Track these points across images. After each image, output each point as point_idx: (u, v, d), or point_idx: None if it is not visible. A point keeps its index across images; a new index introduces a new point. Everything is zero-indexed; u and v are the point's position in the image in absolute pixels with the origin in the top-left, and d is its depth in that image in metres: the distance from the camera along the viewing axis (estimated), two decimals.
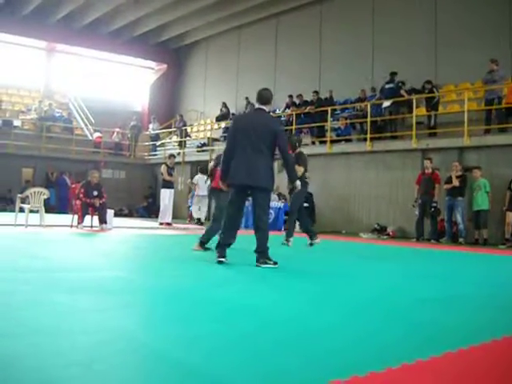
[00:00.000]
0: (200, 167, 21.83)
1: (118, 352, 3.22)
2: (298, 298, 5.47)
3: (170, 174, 18.55)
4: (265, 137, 7.72)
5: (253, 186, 7.74)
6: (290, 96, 23.48)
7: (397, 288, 6.42)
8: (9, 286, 5.34)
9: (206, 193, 18.35)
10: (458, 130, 16.56)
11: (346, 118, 21.03)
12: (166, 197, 18.53)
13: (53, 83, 34.01)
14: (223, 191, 8.93)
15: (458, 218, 15.56)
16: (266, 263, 7.59)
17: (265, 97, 7.97)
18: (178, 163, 25.27)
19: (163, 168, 18.60)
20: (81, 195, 15.11)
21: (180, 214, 25.38)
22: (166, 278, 6.54)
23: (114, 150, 30.82)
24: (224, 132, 25.39)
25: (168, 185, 18.60)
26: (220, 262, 7.65)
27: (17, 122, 28.67)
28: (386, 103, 19.12)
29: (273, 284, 6.39)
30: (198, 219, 21.26)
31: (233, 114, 27.04)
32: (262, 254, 7.71)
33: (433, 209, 15.90)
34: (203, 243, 9.52)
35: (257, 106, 8.07)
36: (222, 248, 7.80)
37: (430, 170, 16.06)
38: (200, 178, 20.82)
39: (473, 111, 17.35)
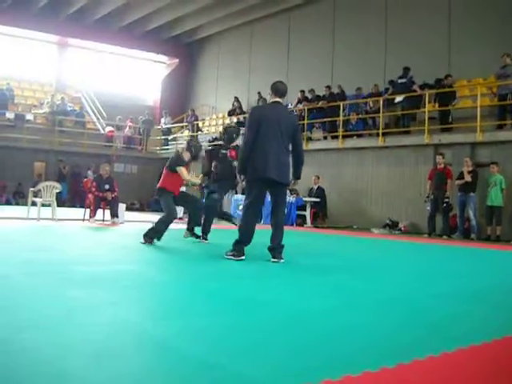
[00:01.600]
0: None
1: (129, 344, 3.24)
2: (313, 294, 5.45)
3: None
4: (288, 131, 7.63)
5: (279, 181, 7.58)
6: (302, 91, 23.41)
7: (410, 284, 6.39)
8: (22, 279, 5.36)
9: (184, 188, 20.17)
10: (471, 126, 16.49)
11: (357, 113, 20.97)
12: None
13: (65, 77, 34.13)
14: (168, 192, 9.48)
15: (471, 213, 15.48)
16: (282, 258, 7.49)
17: (281, 89, 7.83)
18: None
19: None
20: (93, 189, 15.15)
21: None
22: (178, 271, 6.55)
23: (126, 144, 30.87)
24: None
25: None
26: (240, 260, 7.43)
27: (29, 116, 28.76)
28: (399, 98, 19.06)
29: (291, 279, 6.38)
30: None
31: (240, 109, 27.05)
32: (281, 250, 7.56)
33: (445, 204, 15.82)
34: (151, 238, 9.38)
35: (274, 98, 7.85)
36: (242, 247, 7.56)
37: (443, 166, 15.99)
38: None
39: (485, 106, 17.27)
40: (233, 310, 4.41)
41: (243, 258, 7.48)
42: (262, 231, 8.29)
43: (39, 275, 5.65)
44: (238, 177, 8.17)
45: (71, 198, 27.11)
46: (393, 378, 2.79)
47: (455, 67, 19.92)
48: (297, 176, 8.00)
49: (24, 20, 29.68)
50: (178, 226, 11.22)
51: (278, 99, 7.82)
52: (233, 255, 7.47)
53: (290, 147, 7.77)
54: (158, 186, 9.87)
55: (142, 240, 9.17)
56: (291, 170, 7.87)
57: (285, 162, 7.60)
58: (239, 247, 7.54)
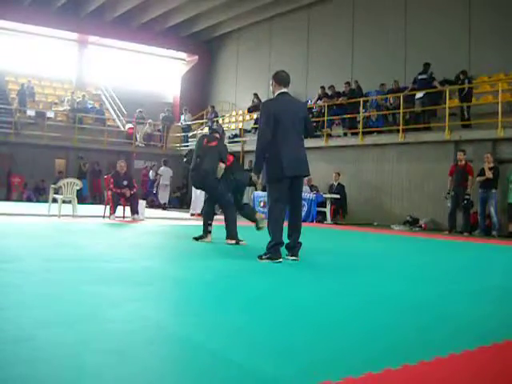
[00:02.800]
0: (164, 160, 25.90)
1: (149, 341, 3.25)
2: (326, 290, 5.45)
3: None
4: (301, 122, 7.47)
5: (302, 175, 7.49)
6: (322, 87, 23.36)
7: (427, 280, 6.37)
8: (43, 276, 5.40)
9: (168, 182, 25.12)
10: (492, 122, 16.39)
11: (378, 110, 20.91)
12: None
13: (85, 75, 34.31)
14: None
15: (492, 210, 15.39)
16: (298, 257, 7.37)
17: (286, 79, 7.54)
18: None
19: None
20: (111, 185, 15.20)
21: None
22: (198, 268, 6.56)
23: (146, 141, 30.97)
24: (255, 123, 25.33)
25: None
26: (278, 262, 7.07)
27: (50, 114, 28.95)
28: (419, 94, 18.98)
29: (310, 278, 6.38)
30: (164, 204, 24.76)
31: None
32: (299, 248, 7.41)
33: (466, 201, 15.73)
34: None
35: (280, 89, 7.51)
36: (278, 248, 7.20)
37: (464, 162, 15.89)
38: (164, 170, 25.28)
39: (507, 102, 17.14)
40: (251, 307, 4.41)
41: (281, 260, 7.14)
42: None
43: (61, 272, 5.68)
44: (254, 177, 7.68)
45: (92, 194, 27.26)
46: (415, 377, 2.78)
47: (476, 63, 19.80)
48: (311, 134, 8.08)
49: (44, 18, 29.88)
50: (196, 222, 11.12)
51: (284, 89, 7.52)
52: (269, 258, 7.13)
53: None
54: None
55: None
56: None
57: (304, 154, 7.47)
58: (275, 249, 7.19)
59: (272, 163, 7.29)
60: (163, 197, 25.15)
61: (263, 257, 7.20)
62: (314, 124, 22.41)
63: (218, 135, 9.83)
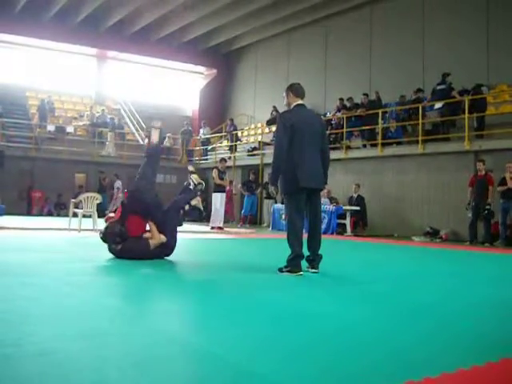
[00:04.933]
0: (116, 174, 26.92)
1: (169, 354, 3.25)
2: (354, 304, 5.42)
3: (222, 178, 18.57)
4: (318, 134, 7.39)
5: (317, 188, 7.42)
6: (341, 99, 23.35)
7: (449, 292, 6.32)
8: (65, 290, 5.41)
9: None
10: None
11: (397, 121, 20.86)
12: (218, 201, 18.55)
13: (104, 89, 34.51)
14: None
15: None
16: (318, 269, 7.30)
17: (302, 91, 7.50)
18: (229, 167, 25.31)
19: (214, 172, 18.65)
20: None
21: (232, 217, 25.42)
22: (217, 283, 6.54)
23: (166, 155, 31.04)
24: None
25: (219, 189, 18.63)
26: (299, 275, 6.97)
27: (69, 129, 29.16)
28: (438, 105, 18.91)
29: (330, 290, 6.35)
30: None
31: None
32: (320, 260, 7.34)
33: (486, 211, 15.61)
34: None
35: (296, 101, 7.44)
36: (298, 261, 7.12)
37: (483, 172, 15.78)
38: (119, 183, 26.35)
39: None
40: (272, 320, 4.39)
41: (301, 273, 7.04)
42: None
43: (81, 286, 5.70)
44: (270, 188, 7.69)
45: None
46: None
47: (495, 72, 19.71)
48: (325, 181, 7.63)
49: (64, 34, 30.11)
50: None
51: (301, 101, 7.46)
52: (289, 271, 7.04)
53: None
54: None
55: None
56: None
57: (320, 166, 7.39)
58: (295, 262, 7.10)
59: (287, 175, 7.24)
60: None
61: (283, 270, 7.14)
62: (333, 136, 22.42)
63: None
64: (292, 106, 7.48)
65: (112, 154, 28.57)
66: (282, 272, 7.14)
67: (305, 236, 7.34)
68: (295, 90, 7.51)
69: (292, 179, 7.19)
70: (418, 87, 20.43)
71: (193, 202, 8.90)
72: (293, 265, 7.10)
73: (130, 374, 2.81)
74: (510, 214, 15.31)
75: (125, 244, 8.19)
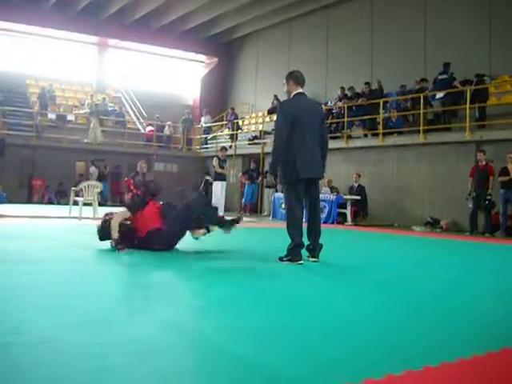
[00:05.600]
0: (92, 160, 26.80)
1: (172, 343, 3.26)
2: (355, 293, 5.43)
3: (222, 167, 18.52)
4: (318, 123, 7.40)
5: (316, 178, 7.42)
6: (342, 88, 23.31)
7: (450, 282, 6.33)
8: (66, 277, 5.42)
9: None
10: None
11: (398, 110, 20.82)
12: (218, 190, 18.49)
13: (105, 78, 34.45)
14: None
15: None
16: (319, 258, 7.32)
17: (302, 78, 7.49)
18: (230, 156, 25.29)
19: (215, 161, 18.61)
20: (131, 187, 15.22)
21: (232, 206, 25.41)
22: (219, 271, 6.54)
23: (165, 144, 31.04)
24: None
25: (220, 177, 18.58)
26: (299, 264, 7.03)
27: (70, 117, 29.11)
28: (439, 95, 18.87)
29: (331, 279, 6.36)
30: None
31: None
32: (320, 249, 7.36)
33: (487, 202, 15.60)
34: None
35: (297, 89, 7.43)
36: (298, 250, 7.16)
37: (484, 163, 15.76)
38: (93, 170, 26.36)
39: None
40: (273, 308, 4.40)
41: (302, 262, 7.09)
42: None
43: (81, 273, 5.71)
44: (269, 178, 7.72)
45: (112, 197, 27.38)
46: (417, 381, 2.76)
47: (497, 62, 19.65)
48: (324, 160, 7.60)
49: (65, 22, 30.01)
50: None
51: (301, 89, 7.45)
52: (289, 260, 7.08)
53: None
54: None
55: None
56: None
57: (320, 156, 7.41)
58: (295, 251, 7.14)
59: (287, 165, 7.25)
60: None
61: (284, 258, 7.17)
62: (334, 125, 22.41)
63: None
64: (292, 95, 7.47)
65: (98, 140, 28.23)
66: (283, 261, 7.16)
67: (304, 225, 7.35)
68: (296, 77, 7.50)
69: (291, 169, 7.20)
70: (422, 77, 20.35)
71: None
72: (293, 254, 7.12)
73: (131, 361, 2.82)
74: (510, 205, 15.30)
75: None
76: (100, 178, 24.28)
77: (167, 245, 8.20)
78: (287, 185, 7.42)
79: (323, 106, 24.33)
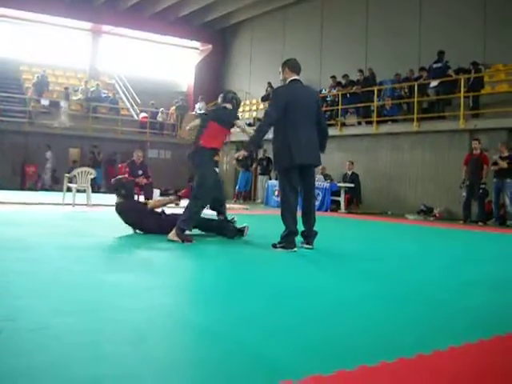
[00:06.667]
0: (48, 144, 26.08)
1: (167, 330, 3.28)
2: (348, 281, 5.45)
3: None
4: (314, 108, 7.41)
5: (311, 164, 7.41)
6: (333, 77, 23.28)
7: (444, 271, 6.35)
8: (58, 265, 5.42)
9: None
10: (507, 111, 16.28)
11: (392, 98, 20.80)
12: None
13: (99, 64, 34.31)
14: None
15: (506, 200, 15.28)
16: (313, 245, 7.34)
17: (298, 66, 7.49)
18: (224, 143, 25.21)
19: None
20: (126, 174, 15.24)
21: (227, 193, 25.34)
22: (213, 257, 6.56)
23: (158, 130, 31.01)
24: None
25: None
26: (293, 252, 7.02)
27: (64, 103, 28.97)
28: (434, 83, 18.87)
29: (323, 266, 6.38)
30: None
31: None
32: (315, 237, 7.36)
33: (481, 190, 15.62)
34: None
35: (292, 76, 7.43)
36: (292, 237, 7.17)
37: (479, 151, 15.77)
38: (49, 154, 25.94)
39: None
40: (268, 296, 4.41)
41: (295, 249, 7.10)
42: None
43: (76, 260, 5.71)
44: (249, 147, 7.64)
45: (107, 183, 27.33)
46: (409, 368, 2.77)
47: (491, 51, 19.63)
48: (322, 150, 7.64)
49: (58, 8, 29.82)
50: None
51: (296, 76, 7.45)
52: (283, 247, 7.10)
53: None
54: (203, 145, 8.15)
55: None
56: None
57: (316, 142, 7.42)
58: (289, 238, 7.15)
59: (281, 151, 7.27)
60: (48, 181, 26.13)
61: (277, 245, 7.19)
62: (329, 113, 22.40)
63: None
64: (287, 82, 7.48)
65: (66, 124, 27.66)
66: (276, 248, 7.18)
67: (299, 213, 7.36)
68: (291, 65, 7.51)
69: (286, 155, 7.20)
70: (422, 66, 20.33)
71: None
72: (287, 241, 7.14)
73: (125, 348, 2.83)
74: (503, 194, 15.33)
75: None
76: (93, 165, 24.20)
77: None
78: (281, 171, 7.43)
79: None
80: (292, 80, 7.45)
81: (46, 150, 26.19)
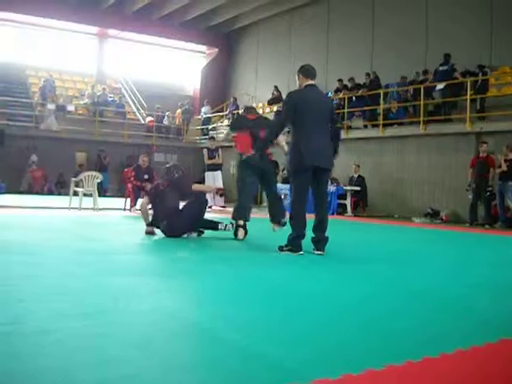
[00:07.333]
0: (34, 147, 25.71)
1: (172, 333, 3.27)
2: (356, 284, 5.44)
3: (213, 157, 18.43)
4: (327, 113, 7.46)
5: (323, 167, 7.36)
6: (340, 80, 23.27)
7: (450, 273, 6.34)
8: (66, 268, 5.42)
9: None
10: None
11: (398, 101, 20.78)
12: (210, 180, 18.31)
13: (105, 68, 34.41)
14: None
15: (510, 203, 15.24)
16: (324, 251, 7.27)
17: (312, 72, 7.56)
18: (230, 147, 25.23)
19: (204, 152, 18.59)
20: (131, 178, 15.26)
21: (233, 196, 25.31)
22: (219, 261, 6.55)
23: (165, 134, 31.06)
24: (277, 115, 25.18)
25: (210, 167, 18.42)
26: (300, 255, 7.06)
27: (70, 107, 29.10)
28: (440, 86, 18.84)
29: (332, 269, 6.37)
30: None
31: (280, 98, 26.89)
32: (326, 242, 7.32)
33: (488, 193, 15.58)
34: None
35: (307, 81, 7.49)
36: (299, 241, 7.19)
37: (485, 154, 15.73)
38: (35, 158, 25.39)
39: None
40: (275, 300, 4.41)
41: (302, 252, 7.12)
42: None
43: (82, 264, 5.71)
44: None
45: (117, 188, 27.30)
46: (416, 372, 2.76)
47: (498, 53, 19.61)
48: (336, 151, 7.71)
49: (65, 12, 29.89)
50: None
51: (311, 82, 7.51)
52: (290, 250, 7.14)
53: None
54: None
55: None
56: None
57: (329, 146, 7.44)
58: (296, 242, 7.18)
59: (293, 153, 7.30)
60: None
61: (284, 248, 7.20)
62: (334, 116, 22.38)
63: None
64: (302, 87, 7.55)
65: (54, 128, 27.45)
66: (283, 251, 7.19)
67: (312, 216, 7.36)
68: (305, 71, 7.57)
69: (296, 158, 7.24)
70: (425, 69, 20.30)
71: None
72: (294, 244, 7.15)
73: (130, 351, 2.82)
74: (506, 197, 15.26)
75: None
76: (100, 169, 24.21)
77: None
78: (293, 174, 7.42)
79: None
80: (307, 85, 7.51)
81: (30, 153, 25.88)
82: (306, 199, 7.44)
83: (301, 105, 7.26)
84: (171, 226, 8.61)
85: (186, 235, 8.77)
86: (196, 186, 9.48)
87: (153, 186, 9.52)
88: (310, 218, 7.32)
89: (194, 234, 8.92)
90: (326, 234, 7.39)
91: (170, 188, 8.82)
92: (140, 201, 15.27)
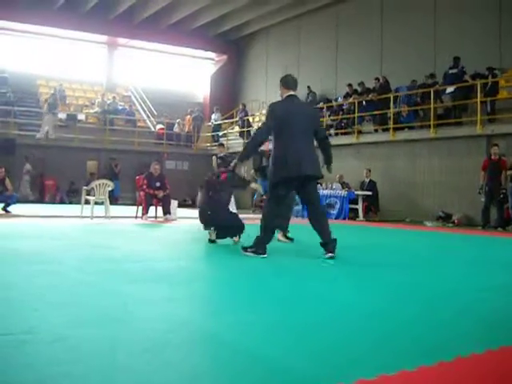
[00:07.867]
0: (26, 156, 25.27)
1: (185, 340, 3.27)
2: (369, 289, 5.42)
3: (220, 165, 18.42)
4: (311, 123, 7.54)
5: (315, 175, 7.42)
6: (350, 85, 23.27)
7: (463, 276, 6.32)
8: (77, 276, 5.44)
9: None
10: None
11: (408, 105, 20.74)
12: None
13: (115, 77, 34.55)
14: None
15: None
16: (335, 254, 7.24)
17: (292, 82, 7.64)
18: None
19: (213, 159, 18.59)
20: (144, 186, 15.30)
21: (244, 204, 25.30)
22: (230, 267, 6.55)
23: (176, 141, 31.10)
24: None
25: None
26: (263, 258, 7.17)
27: (81, 116, 29.23)
28: (450, 89, 18.80)
29: (343, 275, 6.36)
30: None
31: None
32: (335, 244, 7.28)
33: (501, 195, 15.52)
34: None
35: (288, 92, 7.56)
36: (264, 245, 7.33)
37: (497, 157, 15.67)
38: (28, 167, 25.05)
39: None
40: (284, 305, 4.40)
41: (265, 255, 7.22)
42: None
43: (95, 272, 5.72)
44: (236, 163, 8.09)
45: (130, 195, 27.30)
46: (431, 377, 2.74)
47: (507, 55, 19.56)
48: (328, 162, 7.83)
49: (74, 22, 30.08)
50: None
51: (292, 92, 7.59)
52: (253, 252, 7.27)
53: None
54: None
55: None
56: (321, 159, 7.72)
57: (315, 155, 7.48)
58: (261, 245, 7.32)
59: (277, 164, 7.36)
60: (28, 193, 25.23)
61: (248, 250, 7.36)
62: (345, 121, 22.41)
63: None
64: (283, 97, 7.63)
65: (51, 136, 27.16)
66: (247, 251, 7.36)
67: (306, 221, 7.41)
68: (285, 82, 7.68)
69: (281, 168, 7.30)
70: (431, 72, 20.27)
71: None
72: (257, 247, 7.31)
73: (141, 358, 2.82)
74: None
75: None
76: (111, 177, 24.27)
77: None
78: (275, 185, 7.45)
79: (333, 102, 24.36)
80: (287, 96, 7.58)
81: (24, 162, 25.58)
82: (279, 209, 7.66)
83: (285, 115, 7.35)
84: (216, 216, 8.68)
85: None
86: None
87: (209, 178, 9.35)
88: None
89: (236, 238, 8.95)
90: (333, 236, 7.37)
91: (226, 182, 8.90)
92: (152, 208, 15.42)
